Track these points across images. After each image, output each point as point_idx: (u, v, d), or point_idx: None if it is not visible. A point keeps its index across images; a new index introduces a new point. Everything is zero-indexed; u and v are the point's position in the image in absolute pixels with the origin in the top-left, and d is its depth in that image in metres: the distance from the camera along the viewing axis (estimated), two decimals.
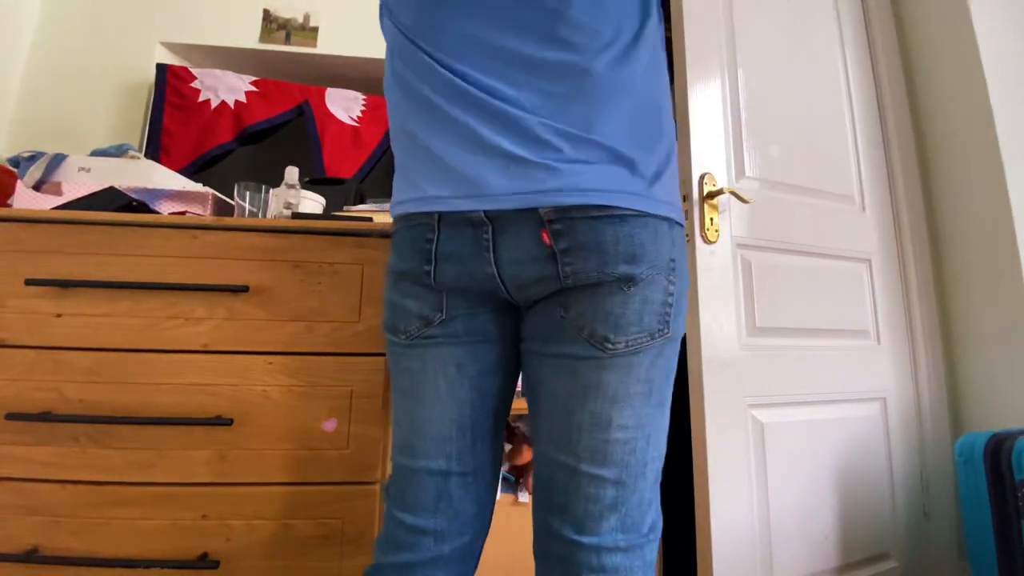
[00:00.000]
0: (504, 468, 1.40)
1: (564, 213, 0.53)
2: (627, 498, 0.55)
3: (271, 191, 1.07)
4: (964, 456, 1.10)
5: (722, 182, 1.21)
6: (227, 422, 0.85)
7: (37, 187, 1.03)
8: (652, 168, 0.58)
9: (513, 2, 0.57)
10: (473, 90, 0.57)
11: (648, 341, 0.55)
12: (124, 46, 1.60)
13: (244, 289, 0.88)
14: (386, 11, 0.68)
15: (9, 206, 0.98)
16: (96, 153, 1.16)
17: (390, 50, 0.68)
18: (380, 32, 0.71)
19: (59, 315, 0.87)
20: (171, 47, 1.66)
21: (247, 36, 1.66)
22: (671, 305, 0.56)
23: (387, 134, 1.66)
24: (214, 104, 1.56)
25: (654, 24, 0.63)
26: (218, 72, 1.59)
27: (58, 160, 1.06)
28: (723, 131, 1.24)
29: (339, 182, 1.48)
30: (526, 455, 1.33)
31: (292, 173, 1.08)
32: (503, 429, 0.69)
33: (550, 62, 0.56)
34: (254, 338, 0.89)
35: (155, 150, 1.52)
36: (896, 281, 1.43)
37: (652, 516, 0.58)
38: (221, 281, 0.89)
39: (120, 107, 1.58)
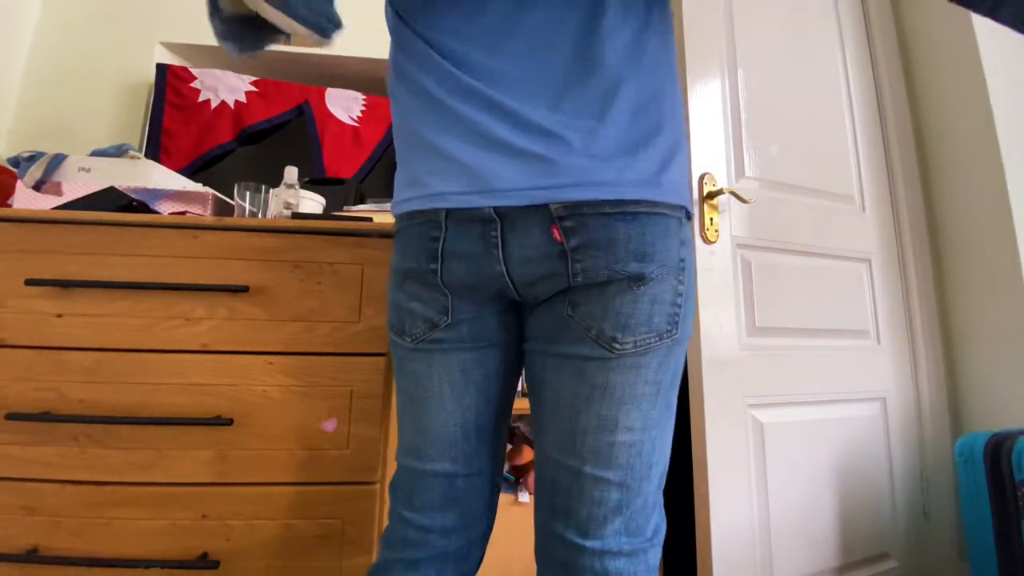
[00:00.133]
0: (504, 468, 1.40)
1: (576, 209, 0.52)
2: (631, 501, 0.54)
3: (271, 191, 1.07)
4: (964, 456, 1.10)
5: (722, 182, 1.21)
6: (227, 422, 0.85)
7: (37, 187, 1.03)
8: (661, 155, 0.56)
9: None
10: (475, 82, 0.56)
11: (656, 342, 0.53)
12: (124, 46, 1.60)
13: (244, 289, 0.88)
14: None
15: (9, 206, 0.98)
16: (96, 153, 1.16)
17: (392, 42, 0.67)
18: (380, 32, 0.70)
19: (59, 315, 0.87)
20: (171, 47, 1.66)
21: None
22: (680, 306, 0.55)
23: (387, 134, 1.66)
24: (214, 104, 1.56)
25: (661, 9, 0.61)
26: (218, 72, 1.59)
27: (58, 160, 1.06)
28: (723, 131, 1.24)
29: (339, 182, 1.48)
30: (526, 455, 1.33)
31: (291, 173, 1.08)
32: (506, 428, 0.69)
33: (555, 51, 0.56)
34: (254, 338, 0.89)
35: (155, 150, 1.52)
36: (896, 281, 1.43)
37: (656, 520, 0.57)
38: (221, 281, 0.89)
39: (120, 107, 1.58)
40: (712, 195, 1.18)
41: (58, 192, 1.03)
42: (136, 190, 1.02)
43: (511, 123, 0.54)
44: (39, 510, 0.82)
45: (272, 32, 0.56)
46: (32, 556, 0.81)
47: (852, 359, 1.32)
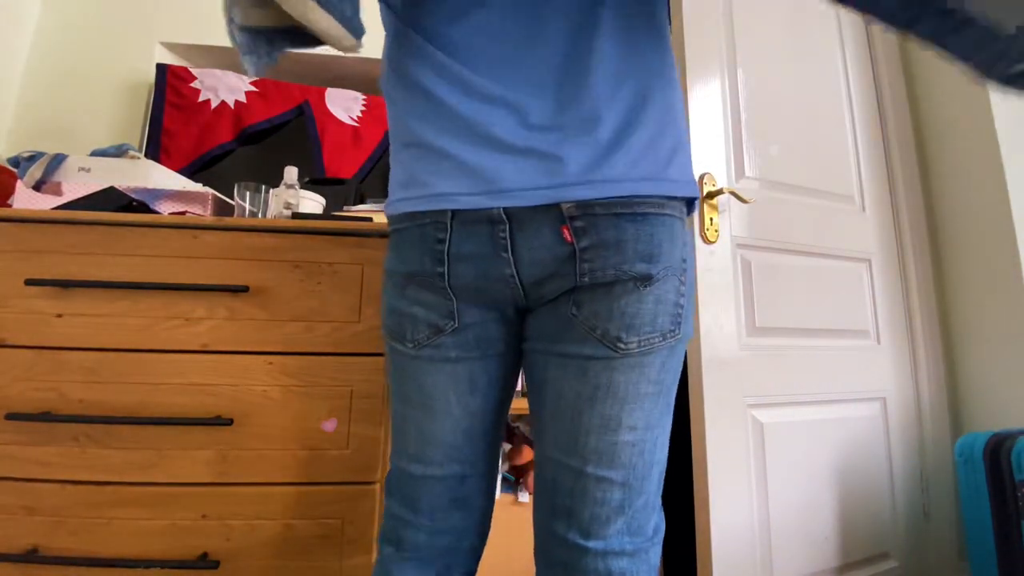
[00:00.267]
0: (504, 468, 1.40)
1: (587, 209, 0.52)
2: (633, 501, 0.54)
3: (271, 191, 1.07)
4: (964, 456, 1.10)
5: (722, 182, 1.21)
6: (227, 422, 0.85)
7: (37, 187, 1.03)
8: (665, 150, 0.56)
9: None
10: (474, 77, 0.55)
11: (660, 342, 0.54)
12: (124, 46, 1.60)
13: (244, 289, 0.88)
14: None
15: (9, 206, 0.98)
16: (96, 153, 1.16)
17: (387, 37, 0.65)
18: (380, 32, 0.69)
19: (59, 315, 0.87)
20: (171, 47, 1.66)
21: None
22: (682, 306, 0.56)
23: (387, 134, 1.66)
24: (214, 104, 1.56)
25: (659, 7, 0.60)
26: (218, 72, 1.59)
27: (58, 160, 1.06)
28: (723, 131, 1.24)
29: (339, 182, 1.48)
30: (526, 455, 1.33)
31: (291, 173, 1.08)
32: (504, 424, 0.69)
33: (554, 46, 0.55)
34: (254, 338, 0.89)
35: (155, 150, 1.52)
36: (896, 281, 1.43)
37: (656, 519, 0.57)
38: (221, 281, 0.89)
39: (120, 107, 1.58)
40: (712, 195, 1.18)
41: (58, 192, 1.03)
42: (136, 190, 1.02)
43: (513, 120, 0.54)
44: (39, 510, 0.82)
45: (292, 40, 0.54)
46: (32, 556, 0.81)
47: (852, 359, 1.32)
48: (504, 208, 0.53)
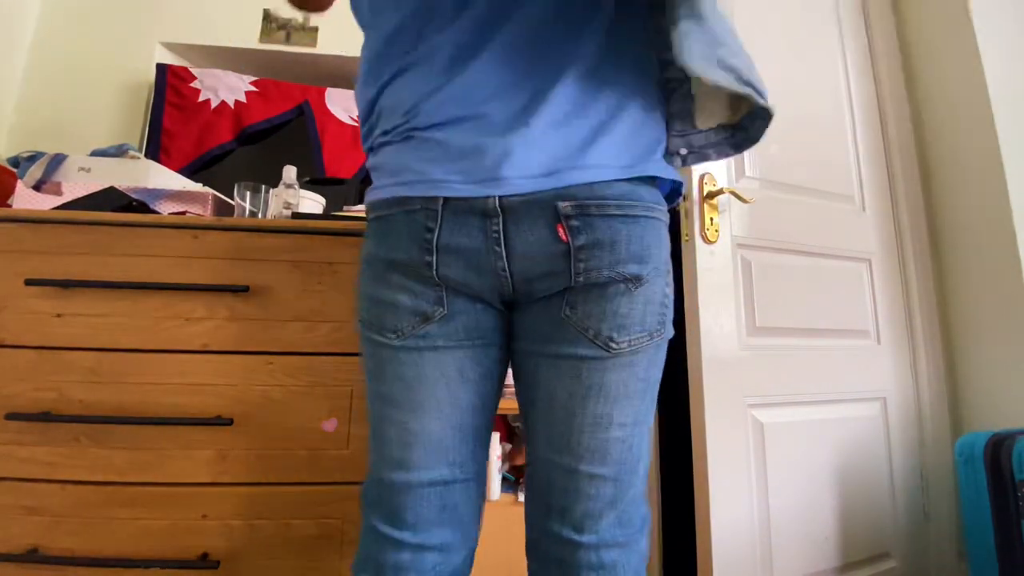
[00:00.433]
0: (504, 468, 1.40)
1: (583, 209, 0.53)
2: (624, 495, 0.57)
3: (271, 191, 1.07)
4: (964, 456, 1.10)
5: (722, 182, 1.21)
6: (227, 422, 0.85)
7: (37, 187, 1.03)
8: (651, 137, 0.58)
9: None
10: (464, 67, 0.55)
11: (648, 341, 0.56)
12: (124, 46, 1.60)
13: (244, 289, 0.88)
14: None
15: (9, 206, 0.98)
16: (96, 153, 1.16)
17: (370, 31, 0.63)
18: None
19: (59, 315, 0.87)
20: (171, 47, 1.66)
21: (247, 36, 1.66)
22: (667, 306, 0.58)
23: None
24: (214, 104, 1.56)
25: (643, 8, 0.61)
26: (218, 72, 1.59)
27: (58, 160, 1.06)
28: None
29: (339, 182, 1.48)
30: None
31: (290, 172, 1.08)
32: (493, 426, 0.68)
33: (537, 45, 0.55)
34: (254, 338, 0.89)
35: (155, 150, 1.52)
36: (896, 281, 1.43)
37: (643, 509, 0.60)
38: (221, 281, 0.89)
39: (120, 107, 1.58)
40: (712, 195, 1.18)
41: (58, 192, 1.03)
42: (136, 190, 1.02)
43: (504, 112, 0.54)
44: (39, 510, 0.82)
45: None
46: (32, 556, 0.81)
47: (852, 359, 1.32)
48: (500, 197, 0.53)
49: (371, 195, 0.60)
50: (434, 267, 0.55)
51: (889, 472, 1.31)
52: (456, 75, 0.55)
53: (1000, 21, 1.39)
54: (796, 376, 1.24)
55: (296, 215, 1.02)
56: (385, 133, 0.59)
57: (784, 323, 1.26)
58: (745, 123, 0.59)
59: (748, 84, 0.52)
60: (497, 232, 0.54)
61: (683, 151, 0.62)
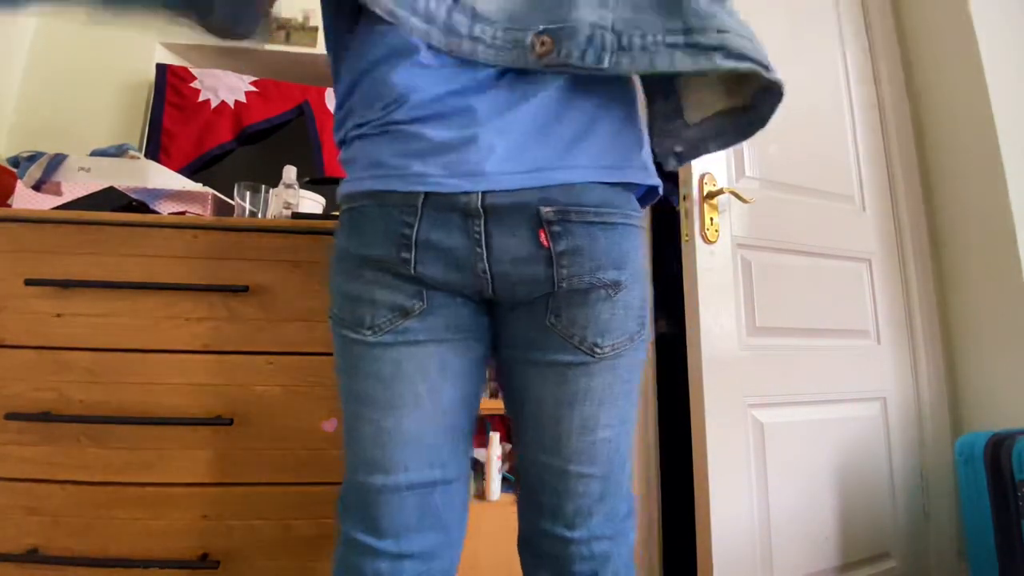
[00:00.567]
0: (504, 468, 1.41)
1: (564, 216, 0.53)
2: (612, 491, 0.58)
3: (271, 191, 1.07)
4: (964, 456, 1.10)
5: (722, 182, 1.21)
6: (227, 422, 0.85)
7: (37, 187, 1.03)
8: (631, 141, 0.58)
9: None
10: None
11: (629, 344, 0.57)
12: (124, 46, 1.60)
13: (244, 289, 0.88)
14: None
15: (9, 206, 0.98)
16: (96, 153, 1.16)
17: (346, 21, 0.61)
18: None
19: (59, 315, 0.87)
20: (171, 47, 1.66)
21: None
22: (645, 309, 0.59)
23: None
24: (214, 104, 1.56)
25: None
26: (218, 72, 1.59)
27: (58, 160, 1.06)
28: None
29: (339, 182, 1.47)
30: None
31: (290, 172, 1.08)
32: (476, 425, 0.67)
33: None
34: (254, 338, 0.89)
35: (155, 150, 1.52)
36: (896, 281, 1.43)
37: (629, 502, 0.61)
38: (221, 281, 0.89)
39: (120, 107, 1.57)
40: (712, 195, 1.18)
41: (58, 192, 1.03)
42: (136, 190, 1.02)
43: (488, 111, 0.53)
44: (39, 510, 0.82)
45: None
46: (32, 556, 0.81)
47: (852, 359, 1.32)
48: (484, 194, 0.52)
49: (345, 187, 0.59)
50: (412, 264, 0.54)
51: (889, 472, 1.31)
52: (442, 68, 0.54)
53: (1000, 21, 1.39)
54: (796, 376, 1.24)
55: (296, 215, 1.02)
56: (359, 126, 0.58)
57: (784, 323, 1.26)
58: (756, 101, 0.57)
59: (747, 59, 0.50)
60: (479, 233, 0.53)
61: (678, 148, 0.62)
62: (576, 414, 0.56)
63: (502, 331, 0.60)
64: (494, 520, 1.24)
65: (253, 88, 1.61)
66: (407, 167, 0.53)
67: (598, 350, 0.55)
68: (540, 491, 0.59)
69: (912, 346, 1.41)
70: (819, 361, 1.28)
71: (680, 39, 0.50)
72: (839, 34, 1.50)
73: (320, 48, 1.68)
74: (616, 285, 0.55)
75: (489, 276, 0.55)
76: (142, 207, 0.97)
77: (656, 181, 0.61)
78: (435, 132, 0.53)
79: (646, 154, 0.61)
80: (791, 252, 1.29)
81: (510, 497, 1.27)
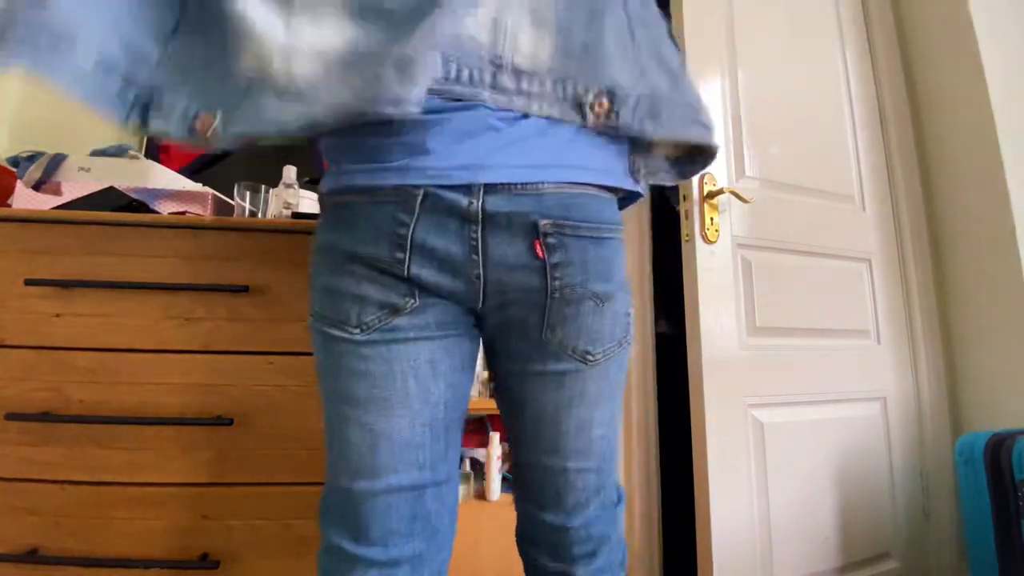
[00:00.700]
0: (504, 468, 1.40)
1: (560, 229, 0.54)
2: (605, 481, 0.63)
3: (271, 191, 1.07)
4: (964, 456, 1.10)
5: (722, 182, 1.21)
6: (227, 422, 0.85)
7: (37, 187, 1.03)
8: (617, 148, 0.61)
9: None
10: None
11: (617, 348, 0.60)
12: None
13: (244, 289, 0.88)
14: None
15: (9, 206, 0.98)
16: (96, 153, 1.16)
17: None
18: None
19: (59, 315, 0.87)
20: None
21: None
22: (630, 315, 0.63)
23: None
24: None
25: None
26: None
27: (58, 160, 1.06)
28: (723, 131, 1.24)
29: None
30: None
31: (289, 172, 1.08)
32: (464, 426, 0.67)
33: None
34: (254, 338, 0.89)
35: (155, 150, 1.52)
36: (896, 281, 1.43)
37: (619, 491, 0.67)
38: (221, 281, 0.89)
39: None
40: (712, 195, 1.18)
41: (58, 192, 1.03)
42: (136, 190, 1.02)
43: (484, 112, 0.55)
44: (39, 510, 0.82)
45: None
46: (32, 556, 0.81)
47: (852, 359, 1.32)
48: (483, 195, 0.52)
49: (332, 181, 0.57)
50: (406, 265, 0.52)
51: (889, 472, 1.31)
52: None
53: (1000, 21, 1.39)
54: (796, 376, 1.24)
55: (296, 215, 1.02)
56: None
57: (784, 323, 1.26)
58: (693, 156, 0.67)
59: (701, 126, 0.61)
60: (475, 239, 0.53)
61: (642, 170, 0.67)
62: (573, 416, 0.59)
63: (497, 347, 0.62)
64: (494, 520, 1.24)
65: None
66: (405, 161, 0.52)
67: (590, 357, 0.58)
68: (540, 489, 0.62)
69: (912, 346, 1.41)
70: (819, 361, 1.28)
71: (695, 115, 0.61)
72: (839, 34, 1.50)
73: None
74: (605, 296, 0.58)
75: (482, 283, 0.55)
76: (142, 207, 0.97)
77: (639, 188, 0.64)
78: (436, 128, 0.53)
79: (626, 162, 0.64)
80: (791, 252, 1.29)
81: (510, 497, 1.26)
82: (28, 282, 0.85)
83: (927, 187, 1.49)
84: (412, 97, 0.48)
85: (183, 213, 1.03)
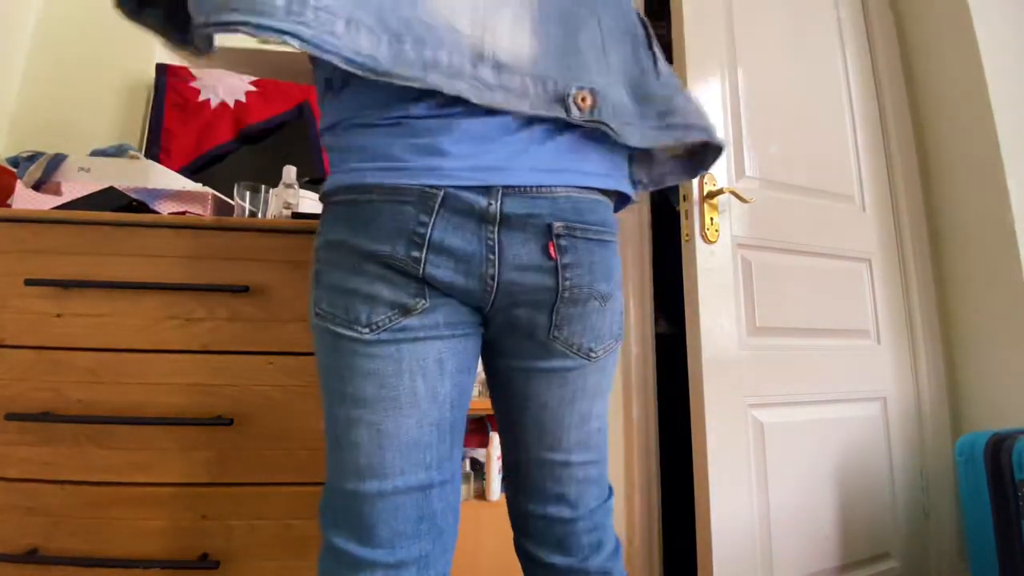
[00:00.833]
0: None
1: (571, 231, 0.56)
2: (602, 470, 0.66)
3: (271, 191, 1.07)
4: (964, 456, 1.10)
5: (722, 182, 1.21)
6: (227, 422, 0.85)
7: (37, 187, 1.03)
8: (618, 153, 0.64)
9: None
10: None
11: (613, 344, 0.64)
12: (124, 46, 1.60)
13: (244, 289, 0.88)
14: None
15: (9, 206, 0.98)
16: (96, 153, 1.16)
17: None
18: None
19: (59, 315, 0.87)
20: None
21: (247, 36, 1.65)
22: (623, 314, 0.66)
23: None
24: (214, 104, 1.56)
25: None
26: (218, 72, 1.59)
27: (58, 160, 1.06)
28: (723, 131, 1.25)
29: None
30: None
31: (289, 172, 1.08)
32: (465, 427, 0.67)
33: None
34: (254, 338, 0.89)
35: (155, 150, 1.52)
36: (896, 281, 1.43)
37: (609, 483, 0.70)
38: (221, 281, 0.89)
39: (120, 107, 1.57)
40: (712, 195, 1.18)
41: (58, 192, 1.03)
42: (136, 190, 1.02)
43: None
44: (39, 510, 0.82)
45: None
46: (32, 556, 0.81)
47: (852, 359, 1.32)
48: (502, 197, 0.53)
49: (343, 178, 0.55)
50: (422, 264, 0.52)
51: (889, 472, 1.31)
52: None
53: (1000, 21, 1.39)
54: (796, 376, 1.24)
55: (296, 215, 1.02)
56: (364, 114, 0.55)
57: (784, 323, 1.26)
58: (698, 152, 0.69)
59: (703, 129, 0.63)
60: (492, 240, 0.54)
61: (644, 180, 0.71)
62: (575, 410, 0.62)
63: (501, 345, 0.63)
64: (494, 520, 1.24)
65: (253, 88, 1.60)
66: (423, 162, 0.52)
67: (592, 354, 0.61)
68: (543, 483, 0.64)
69: (912, 346, 1.41)
70: (819, 361, 1.28)
71: (655, 122, 0.62)
72: (839, 33, 1.50)
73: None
74: (607, 295, 0.60)
75: (496, 284, 0.55)
76: (142, 207, 0.97)
77: (632, 193, 0.67)
78: (451, 130, 0.53)
79: (625, 168, 0.67)
80: (791, 252, 1.29)
81: None
82: (28, 282, 0.85)
83: (927, 187, 1.49)
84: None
85: (183, 213, 1.03)
